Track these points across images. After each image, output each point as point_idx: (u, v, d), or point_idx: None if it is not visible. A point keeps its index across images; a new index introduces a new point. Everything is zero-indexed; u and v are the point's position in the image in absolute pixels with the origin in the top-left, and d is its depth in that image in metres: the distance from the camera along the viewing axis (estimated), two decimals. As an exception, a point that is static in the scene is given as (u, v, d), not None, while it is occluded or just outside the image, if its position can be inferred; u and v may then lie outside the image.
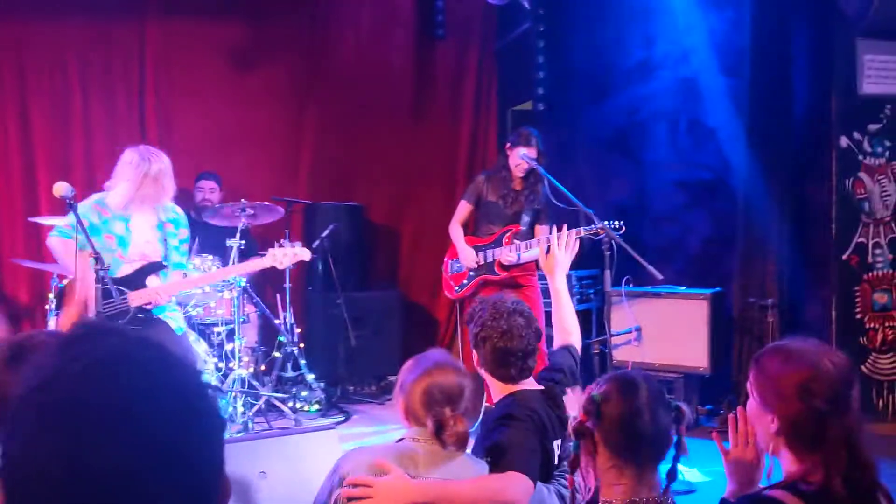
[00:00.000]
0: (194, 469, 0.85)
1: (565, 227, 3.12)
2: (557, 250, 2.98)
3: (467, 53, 7.04)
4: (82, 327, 0.89)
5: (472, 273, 5.08)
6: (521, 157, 4.91)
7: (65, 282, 4.18)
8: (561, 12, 6.22)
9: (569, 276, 5.10)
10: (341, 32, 6.84)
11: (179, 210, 4.35)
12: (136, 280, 4.10)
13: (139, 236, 4.14)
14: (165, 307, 4.19)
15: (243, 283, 5.24)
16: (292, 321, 5.74)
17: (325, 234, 5.91)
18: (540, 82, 6.11)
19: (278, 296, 5.88)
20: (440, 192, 7.10)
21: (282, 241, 4.54)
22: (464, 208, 5.25)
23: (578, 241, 3.10)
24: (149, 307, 4.09)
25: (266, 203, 5.62)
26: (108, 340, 0.86)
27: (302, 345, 5.78)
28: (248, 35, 6.66)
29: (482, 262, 5.04)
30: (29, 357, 1.64)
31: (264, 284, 6.55)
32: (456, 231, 5.20)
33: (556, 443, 2.46)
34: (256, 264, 4.47)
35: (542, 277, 4.71)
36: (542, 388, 2.54)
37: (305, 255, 4.41)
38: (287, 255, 4.36)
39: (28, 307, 6.17)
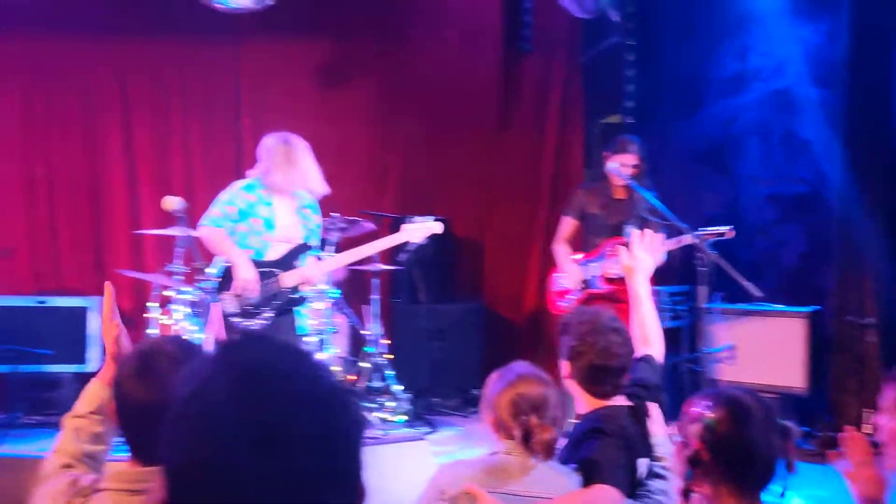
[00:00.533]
0: (340, 472, 0.89)
1: (649, 229, 3.02)
2: (638, 251, 2.86)
3: (553, 66, 7.03)
4: (234, 337, 0.96)
5: (580, 287, 5.04)
6: (610, 170, 4.87)
7: (227, 263, 4.33)
8: (651, 25, 6.18)
9: (659, 292, 5.05)
10: (428, 48, 6.93)
11: (313, 197, 4.51)
12: (287, 261, 4.28)
13: (282, 219, 4.32)
14: (306, 301, 4.36)
15: (337, 294, 5.36)
16: (379, 332, 5.83)
17: (410, 246, 5.98)
18: (629, 95, 6.07)
19: (366, 307, 5.98)
20: (524, 205, 7.10)
21: (413, 217, 4.65)
22: (566, 224, 5.21)
23: (664, 246, 2.95)
24: (302, 288, 4.26)
25: (356, 218, 5.77)
26: (257, 349, 0.91)
27: (389, 356, 5.85)
28: (336, 52, 6.83)
29: (587, 278, 5.00)
30: (155, 368, 1.72)
31: (353, 295, 6.68)
32: (559, 249, 5.17)
33: (641, 461, 2.44)
34: (392, 240, 4.58)
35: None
36: (630, 404, 2.53)
37: (438, 228, 4.52)
38: (420, 229, 4.50)
39: (130, 316, 6.43)
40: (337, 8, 6.79)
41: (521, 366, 2.35)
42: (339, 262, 4.69)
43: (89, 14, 6.30)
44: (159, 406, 1.63)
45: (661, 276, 5.15)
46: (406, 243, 5.88)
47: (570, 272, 5.02)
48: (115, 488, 1.69)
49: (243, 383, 0.87)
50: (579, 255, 5.15)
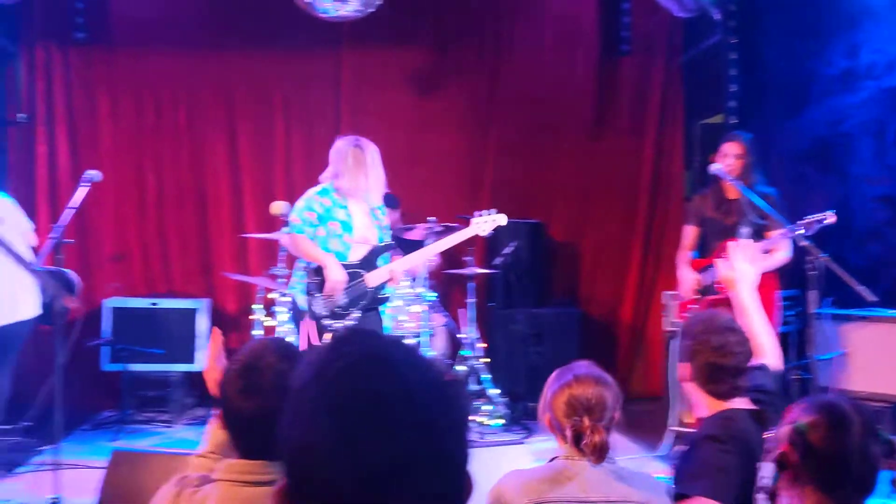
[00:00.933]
0: (446, 459, 0.92)
1: (749, 240, 3.01)
2: (738, 262, 2.85)
3: (652, 67, 6.94)
4: (346, 331, 1.00)
5: (698, 296, 4.93)
6: (714, 171, 4.74)
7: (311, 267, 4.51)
8: (754, 23, 5.99)
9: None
10: (524, 53, 6.94)
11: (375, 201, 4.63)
12: (369, 261, 4.40)
13: (358, 221, 4.44)
14: (389, 302, 4.48)
15: (433, 297, 5.42)
16: (475, 336, 5.85)
17: (506, 251, 5.99)
18: (732, 95, 5.91)
19: (462, 311, 6.01)
20: (621, 208, 7.02)
21: (481, 211, 4.75)
22: (687, 232, 5.12)
23: (764, 252, 2.89)
24: (387, 285, 4.38)
25: (454, 224, 5.82)
26: (367, 340, 0.96)
27: (485, 359, 5.87)
28: (433, 60, 6.91)
29: (703, 285, 4.86)
30: (259, 382, 1.76)
31: (449, 299, 6.72)
32: (679, 257, 5.08)
33: (763, 465, 2.37)
34: (464, 234, 4.68)
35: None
36: (753, 408, 2.46)
37: (502, 220, 4.68)
38: (487, 221, 4.63)
39: (234, 317, 6.66)
40: (434, 16, 6.88)
41: (580, 366, 2.31)
42: (419, 258, 4.75)
43: (196, 30, 6.58)
44: (265, 413, 1.69)
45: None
46: (504, 247, 5.92)
47: (683, 282, 4.92)
48: (226, 479, 1.75)
49: (358, 368, 0.91)
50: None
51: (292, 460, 0.91)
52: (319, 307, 4.34)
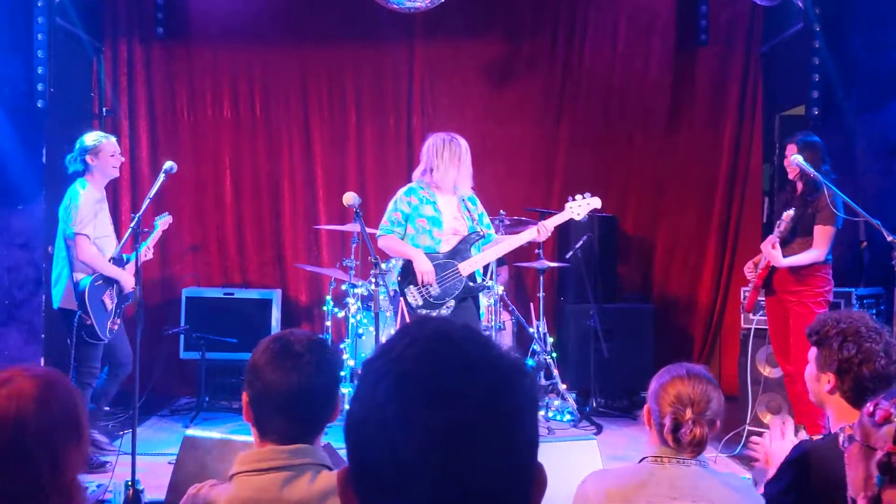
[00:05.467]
0: (507, 438, 0.89)
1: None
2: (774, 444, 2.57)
3: (731, 58, 6.76)
4: (420, 318, 0.99)
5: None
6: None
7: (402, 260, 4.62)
8: (839, 11, 5.76)
9: (849, 295, 4.70)
10: (597, 43, 6.84)
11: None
12: (461, 251, 4.46)
13: (448, 214, 4.50)
14: (483, 287, 4.57)
15: (500, 291, 5.39)
16: (545, 330, 5.80)
17: (577, 245, 5.92)
18: (815, 85, 5.70)
19: (532, 305, 5.97)
20: (698, 202, 6.87)
21: (576, 195, 4.73)
22: None
23: None
24: (476, 277, 4.50)
25: (523, 218, 5.79)
26: (433, 323, 0.96)
27: (555, 354, 5.81)
28: (506, 51, 6.86)
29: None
30: (285, 353, 1.81)
31: (518, 293, 6.69)
32: None
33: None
34: (559, 218, 4.70)
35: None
36: None
37: (597, 203, 4.67)
38: (582, 206, 4.65)
39: (307, 308, 6.76)
40: (507, 6, 6.84)
41: (694, 365, 2.25)
42: (513, 243, 4.73)
43: (271, 24, 6.69)
44: (291, 387, 1.72)
45: (850, 278, 4.82)
46: (575, 241, 5.85)
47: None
48: (244, 471, 1.76)
49: (417, 346, 0.92)
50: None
51: (352, 435, 0.91)
52: (413, 298, 4.42)
